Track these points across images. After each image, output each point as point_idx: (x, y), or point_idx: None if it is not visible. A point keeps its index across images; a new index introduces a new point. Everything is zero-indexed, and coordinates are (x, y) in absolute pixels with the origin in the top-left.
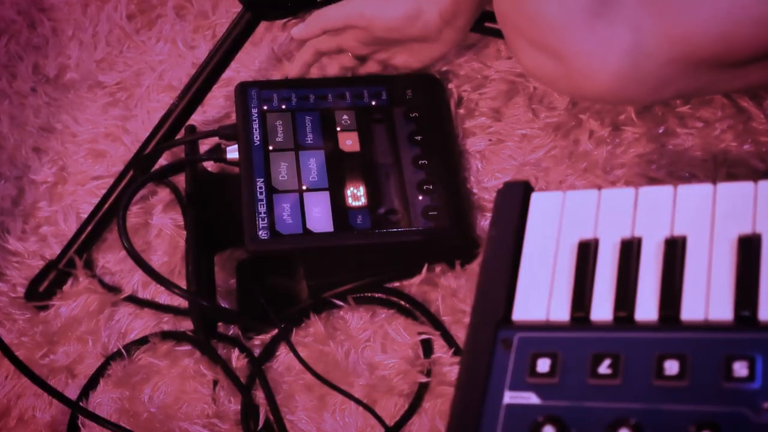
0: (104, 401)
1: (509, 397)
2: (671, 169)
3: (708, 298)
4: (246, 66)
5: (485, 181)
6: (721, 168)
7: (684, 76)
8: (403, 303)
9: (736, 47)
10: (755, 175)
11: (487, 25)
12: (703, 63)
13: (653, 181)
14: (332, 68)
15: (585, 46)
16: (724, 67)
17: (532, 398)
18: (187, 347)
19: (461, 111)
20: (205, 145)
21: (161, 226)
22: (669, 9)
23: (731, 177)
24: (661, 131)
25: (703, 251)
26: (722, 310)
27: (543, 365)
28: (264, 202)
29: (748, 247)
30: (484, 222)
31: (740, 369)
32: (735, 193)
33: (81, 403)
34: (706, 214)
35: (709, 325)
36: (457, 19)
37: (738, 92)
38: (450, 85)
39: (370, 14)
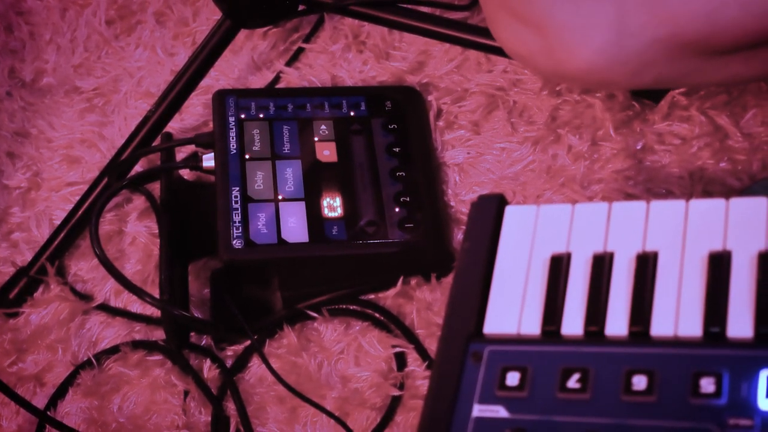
0: (73, 411)
1: (478, 411)
2: (648, 185)
3: (678, 313)
4: (225, 74)
5: (463, 194)
6: (697, 185)
7: (666, 60)
8: (377, 315)
9: (721, 31)
10: (731, 193)
11: (469, 38)
12: (687, 47)
13: (630, 197)
14: None
15: (568, 20)
16: (708, 54)
17: (500, 412)
18: (158, 357)
19: (440, 123)
20: (181, 153)
21: (135, 233)
22: None
23: (707, 194)
24: (639, 147)
25: (674, 267)
26: (691, 326)
27: (512, 379)
28: (239, 211)
29: (718, 263)
30: (460, 235)
31: (707, 385)
32: (707, 209)
33: (49, 413)
34: (678, 231)
35: (678, 340)
36: None
37: (719, 85)
38: (430, 98)
39: None
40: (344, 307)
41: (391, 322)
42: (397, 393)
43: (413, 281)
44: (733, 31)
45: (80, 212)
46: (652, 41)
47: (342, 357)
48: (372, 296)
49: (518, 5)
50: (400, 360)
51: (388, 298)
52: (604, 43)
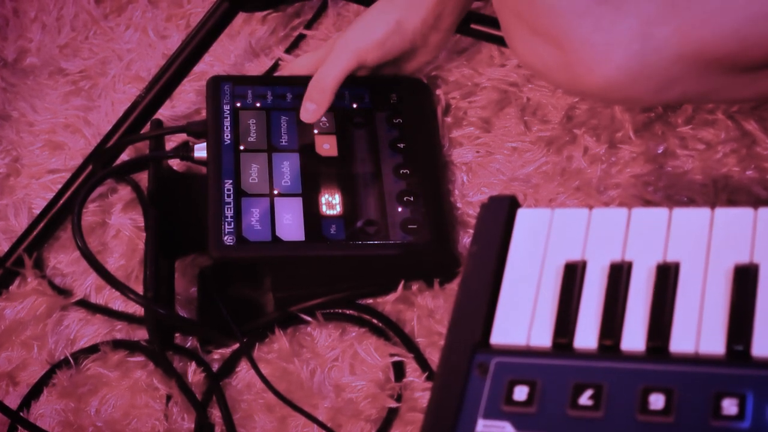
0: (47, 412)
1: (482, 426)
2: (669, 192)
3: (699, 329)
4: (220, 60)
5: (470, 196)
6: (721, 194)
7: (692, 77)
8: (375, 321)
9: (749, 47)
10: (757, 203)
11: (480, 28)
12: (714, 64)
13: (649, 203)
14: None
15: (589, 35)
16: (735, 71)
17: (506, 428)
18: (140, 358)
19: (448, 119)
20: (171, 143)
21: (119, 226)
22: (681, 1)
23: (732, 204)
24: (660, 151)
25: (696, 279)
26: (714, 343)
27: (520, 393)
28: (231, 205)
29: (744, 277)
30: (466, 239)
31: (730, 406)
32: (733, 219)
33: (21, 414)
34: (701, 240)
35: (699, 358)
36: (442, 22)
37: (746, 102)
38: (438, 92)
39: (358, 48)
40: (340, 311)
41: (389, 329)
42: (393, 405)
43: (415, 286)
44: (763, 48)
45: (61, 201)
46: (677, 58)
47: (336, 364)
48: (370, 301)
49: (535, 18)
50: (398, 370)
51: (387, 303)
52: (626, 60)
